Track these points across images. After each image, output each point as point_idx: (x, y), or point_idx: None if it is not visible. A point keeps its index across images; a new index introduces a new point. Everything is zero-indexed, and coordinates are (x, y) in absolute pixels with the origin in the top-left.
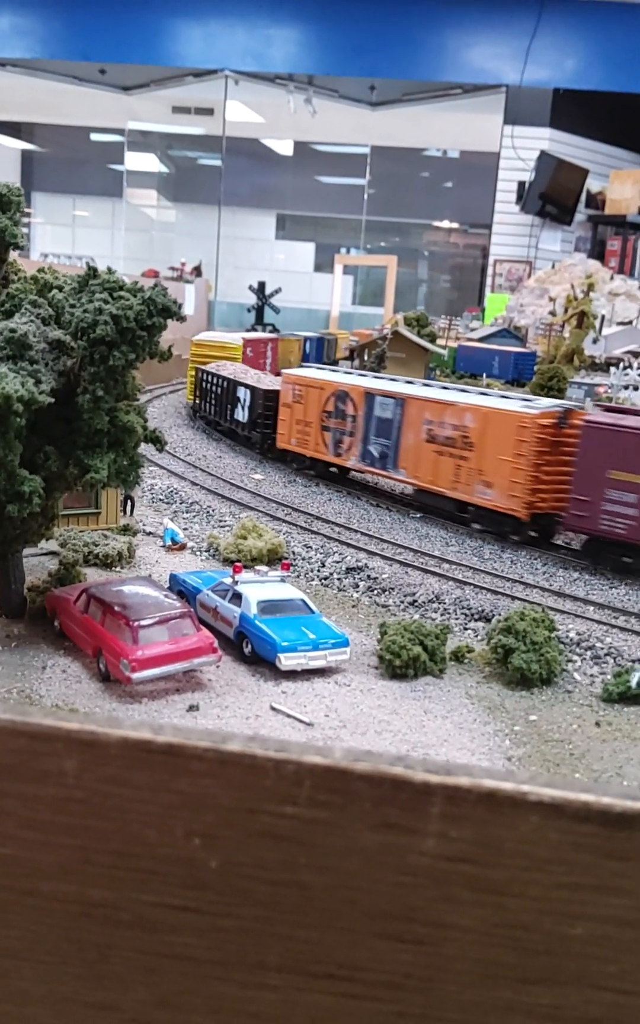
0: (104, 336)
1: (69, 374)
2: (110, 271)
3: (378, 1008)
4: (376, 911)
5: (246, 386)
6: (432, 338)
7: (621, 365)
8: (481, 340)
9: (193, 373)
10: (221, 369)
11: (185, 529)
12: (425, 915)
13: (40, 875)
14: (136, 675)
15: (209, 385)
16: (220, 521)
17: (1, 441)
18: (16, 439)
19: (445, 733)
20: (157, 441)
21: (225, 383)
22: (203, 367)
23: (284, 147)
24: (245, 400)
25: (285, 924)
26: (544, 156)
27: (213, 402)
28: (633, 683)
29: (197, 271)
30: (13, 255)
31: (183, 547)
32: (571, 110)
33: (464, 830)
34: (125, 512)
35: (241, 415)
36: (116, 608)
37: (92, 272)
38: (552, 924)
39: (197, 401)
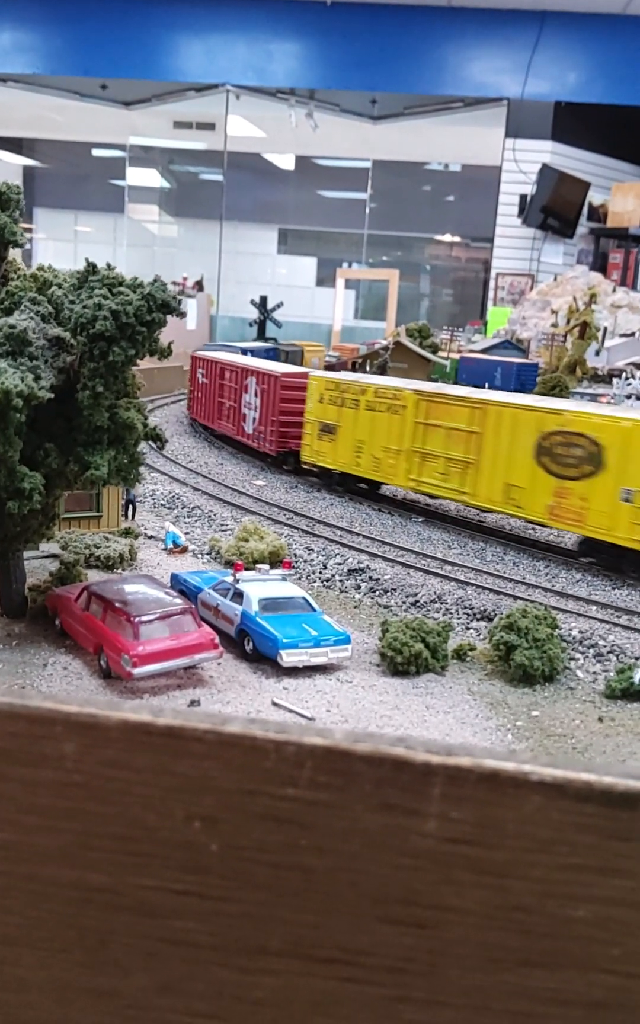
0: (104, 331)
1: (69, 371)
2: (109, 267)
3: (380, 993)
4: (378, 894)
5: None
6: (434, 349)
7: (623, 376)
8: (483, 351)
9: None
10: None
11: (186, 533)
12: (427, 898)
13: (39, 860)
14: (137, 670)
15: None
16: (222, 525)
17: (1, 437)
18: (16, 435)
19: (447, 728)
20: (157, 439)
21: None
22: None
23: (286, 161)
24: None
25: (287, 908)
26: (546, 169)
27: None
28: (636, 679)
29: (199, 286)
30: (13, 253)
31: (184, 550)
32: (573, 123)
33: (465, 811)
34: (126, 516)
35: None
36: (117, 605)
37: (91, 268)
38: (555, 906)
39: None
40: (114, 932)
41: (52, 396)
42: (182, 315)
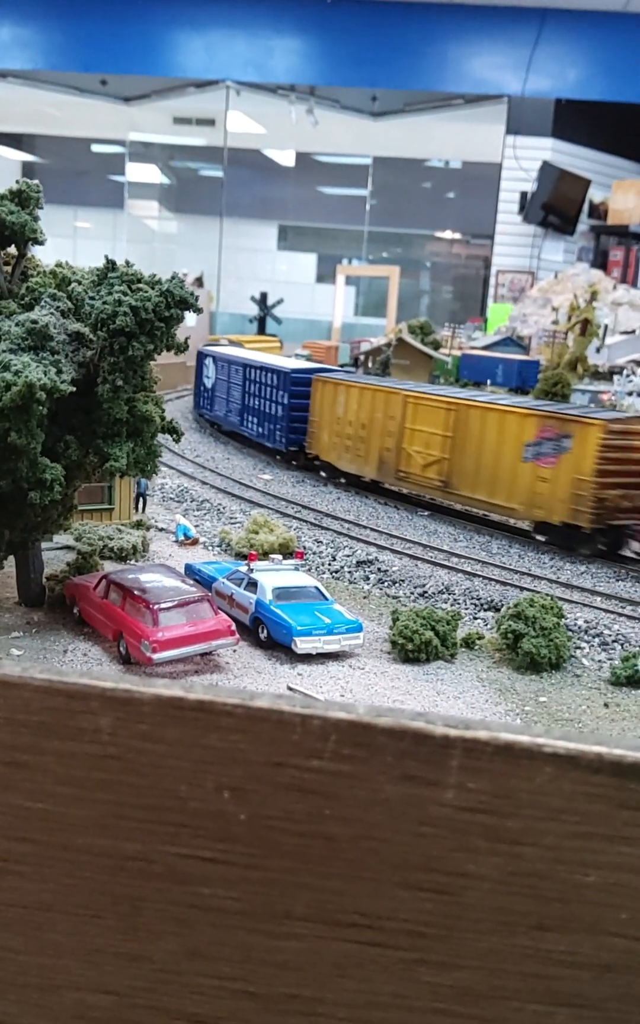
0: (124, 327)
1: (89, 365)
2: (128, 264)
3: (400, 956)
4: (398, 861)
5: None
6: (436, 346)
7: (624, 373)
8: (485, 348)
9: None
10: None
11: (196, 526)
12: (445, 865)
13: (75, 830)
14: (157, 656)
15: None
16: (231, 518)
17: (24, 429)
18: (38, 428)
19: (457, 712)
20: (174, 431)
21: None
22: None
23: (286, 158)
24: None
25: (311, 875)
26: (546, 166)
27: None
28: None
29: (199, 282)
30: (31, 251)
31: (195, 542)
32: (573, 120)
33: (482, 781)
34: (137, 509)
35: None
36: (136, 592)
37: (111, 265)
38: (566, 872)
39: None
40: (146, 899)
41: (73, 389)
42: (199, 311)
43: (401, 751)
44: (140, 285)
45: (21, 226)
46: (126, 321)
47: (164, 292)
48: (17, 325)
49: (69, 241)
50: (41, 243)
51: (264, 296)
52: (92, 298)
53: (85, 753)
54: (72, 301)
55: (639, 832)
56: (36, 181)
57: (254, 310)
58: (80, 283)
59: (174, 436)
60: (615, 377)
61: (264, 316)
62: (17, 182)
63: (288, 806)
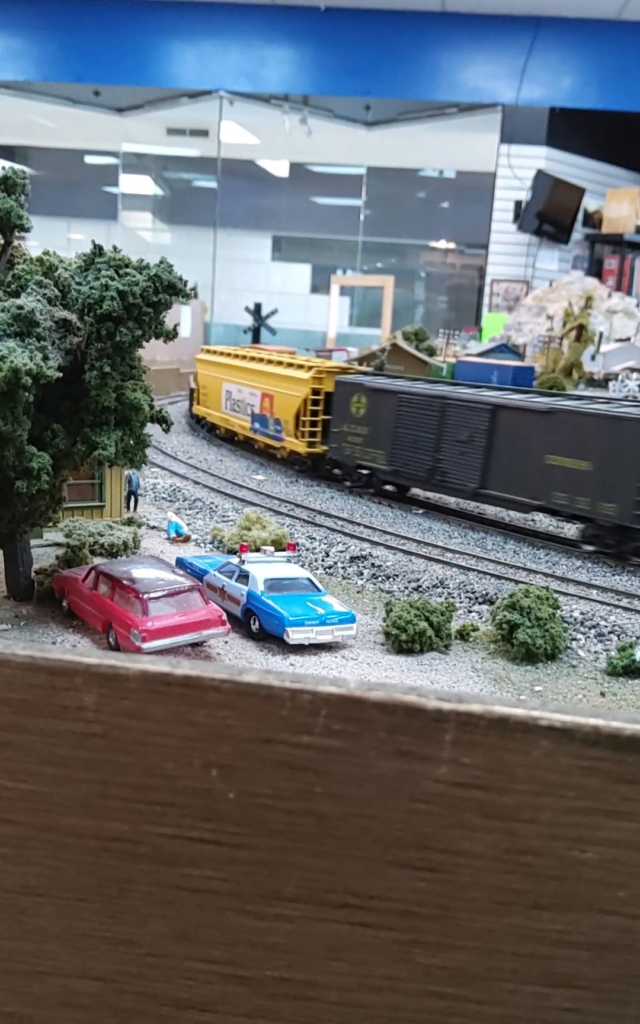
0: (111, 312)
1: (76, 352)
2: (116, 249)
3: (393, 937)
4: (390, 839)
5: None
6: (431, 353)
7: (619, 378)
8: (480, 355)
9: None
10: None
11: (188, 524)
12: (438, 842)
13: (60, 810)
14: (146, 645)
15: None
16: (223, 516)
17: (10, 416)
18: (24, 415)
19: None
20: (163, 421)
21: None
22: None
23: (280, 168)
24: None
25: (301, 854)
26: (541, 175)
27: None
28: (638, 656)
29: (193, 293)
30: (17, 238)
31: (187, 539)
32: (567, 129)
33: (476, 756)
34: (129, 508)
35: None
36: (125, 582)
37: (98, 250)
38: (563, 849)
39: None
40: (132, 880)
41: (60, 375)
42: (187, 297)
43: (393, 725)
44: (128, 270)
45: (6, 212)
46: (113, 306)
47: (152, 276)
48: (2, 311)
49: (63, 253)
50: (27, 230)
51: (258, 307)
52: (79, 284)
53: (69, 731)
54: (58, 288)
55: (637, 807)
56: (22, 167)
57: (248, 321)
58: (67, 269)
59: (163, 426)
60: (610, 384)
61: (258, 327)
62: (2, 168)
63: (278, 783)
